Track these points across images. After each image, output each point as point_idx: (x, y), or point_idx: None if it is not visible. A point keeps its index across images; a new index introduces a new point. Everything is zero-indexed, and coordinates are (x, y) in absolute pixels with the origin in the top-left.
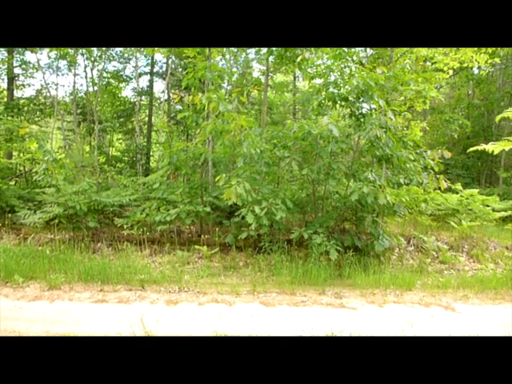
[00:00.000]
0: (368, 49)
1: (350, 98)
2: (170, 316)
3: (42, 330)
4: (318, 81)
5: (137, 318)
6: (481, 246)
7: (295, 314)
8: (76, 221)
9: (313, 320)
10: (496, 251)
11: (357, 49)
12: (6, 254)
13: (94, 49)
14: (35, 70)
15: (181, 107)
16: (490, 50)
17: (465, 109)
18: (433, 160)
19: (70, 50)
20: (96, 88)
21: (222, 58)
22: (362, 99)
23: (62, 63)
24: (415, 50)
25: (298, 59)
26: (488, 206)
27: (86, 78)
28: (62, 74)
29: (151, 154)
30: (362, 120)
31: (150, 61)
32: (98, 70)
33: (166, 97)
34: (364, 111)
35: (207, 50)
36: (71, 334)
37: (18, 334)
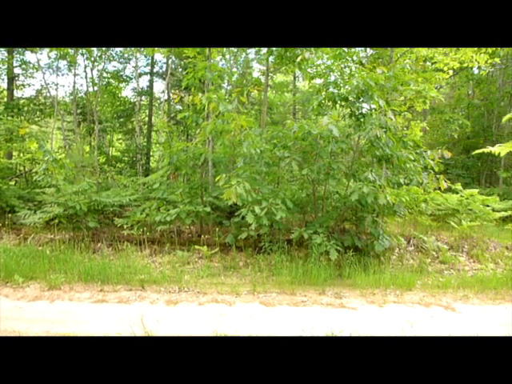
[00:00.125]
0: (368, 49)
1: (350, 98)
2: (170, 316)
3: (42, 330)
4: (318, 81)
5: (137, 318)
6: (481, 246)
7: (295, 314)
8: (76, 221)
9: (313, 320)
10: (496, 251)
11: (357, 49)
12: (6, 254)
13: (94, 49)
14: (35, 70)
15: (181, 107)
16: (489, 50)
17: (465, 109)
18: (433, 160)
19: (70, 50)
20: (96, 88)
21: (222, 58)
22: (362, 99)
23: (62, 63)
24: (415, 50)
25: (298, 59)
26: (488, 206)
27: (86, 78)
28: (62, 74)
29: (151, 154)
30: (361, 120)
31: (149, 61)
32: (98, 70)
33: (165, 97)
34: (364, 111)
35: (207, 50)
36: (71, 334)
37: (18, 334)
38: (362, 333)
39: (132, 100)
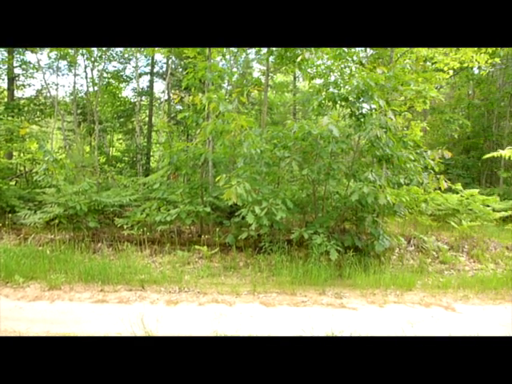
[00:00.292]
0: (368, 49)
1: (350, 98)
2: (170, 316)
3: (42, 330)
4: (318, 81)
5: (137, 318)
6: (481, 246)
7: (295, 314)
8: (76, 221)
9: (313, 320)
10: (496, 251)
11: (357, 49)
12: (7, 254)
13: (94, 49)
14: (35, 70)
15: (181, 107)
16: (490, 50)
17: (465, 109)
18: (433, 160)
19: (70, 51)
20: (96, 88)
21: (222, 58)
22: (362, 99)
23: (62, 63)
24: (415, 50)
25: (298, 59)
26: (488, 206)
27: (86, 78)
28: (63, 75)
29: (151, 154)
30: (362, 120)
31: (150, 61)
32: (98, 71)
33: (166, 97)
34: (364, 111)
35: (207, 50)
36: (71, 334)
37: (18, 334)
38: (362, 333)
39: (132, 100)
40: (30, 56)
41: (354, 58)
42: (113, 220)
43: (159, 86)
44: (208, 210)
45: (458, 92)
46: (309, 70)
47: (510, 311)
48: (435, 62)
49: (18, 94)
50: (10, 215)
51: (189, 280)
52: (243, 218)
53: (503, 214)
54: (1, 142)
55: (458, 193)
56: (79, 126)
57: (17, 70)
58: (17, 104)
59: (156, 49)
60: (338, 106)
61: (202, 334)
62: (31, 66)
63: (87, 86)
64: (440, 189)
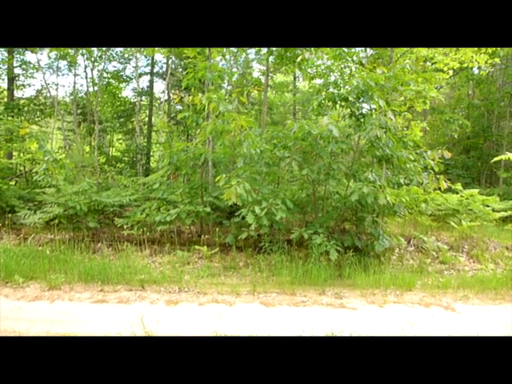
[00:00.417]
0: (368, 49)
1: (350, 99)
2: (170, 316)
3: (42, 330)
4: (318, 81)
5: (137, 318)
6: (481, 246)
7: (295, 314)
8: (76, 221)
9: (313, 320)
10: (496, 251)
11: (357, 49)
12: (6, 254)
13: (94, 49)
14: (35, 71)
15: (181, 107)
16: (489, 50)
17: (465, 109)
18: (433, 160)
19: (70, 51)
20: (96, 88)
21: (222, 58)
22: (362, 99)
23: (62, 63)
24: (415, 50)
25: (298, 59)
26: (488, 206)
27: (86, 78)
28: (62, 75)
29: (151, 154)
30: (362, 120)
31: (150, 61)
32: (98, 71)
33: (166, 97)
34: (364, 111)
35: (207, 50)
36: (71, 334)
37: (18, 334)
38: (362, 333)
39: (132, 100)
40: (29, 56)
41: (354, 58)
42: (113, 220)
43: (159, 86)
44: (208, 210)
45: (458, 92)
46: (309, 70)
47: (509, 311)
48: (435, 62)
49: (17, 93)
50: (9, 215)
51: (189, 280)
52: (243, 218)
53: (503, 214)
54: (1, 142)
55: (457, 193)
56: (79, 126)
57: (17, 70)
58: (17, 104)
59: (156, 49)
60: (337, 106)
61: (201, 334)
62: (31, 65)
63: (87, 86)
64: (440, 189)
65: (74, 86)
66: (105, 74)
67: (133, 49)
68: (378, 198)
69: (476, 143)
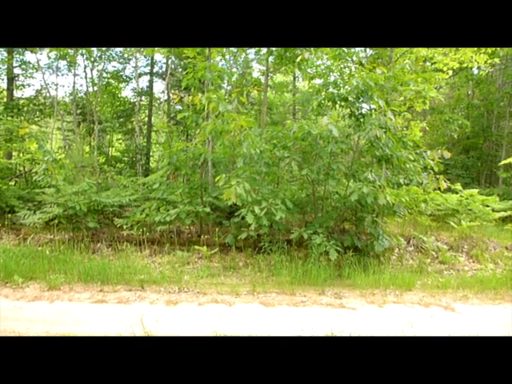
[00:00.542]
0: (368, 49)
1: (350, 99)
2: (170, 316)
3: (41, 331)
4: (318, 81)
5: (136, 318)
6: (480, 246)
7: (295, 314)
8: (76, 221)
9: (312, 320)
10: (496, 251)
11: (356, 49)
12: (6, 255)
13: (94, 49)
14: (35, 71)
15: (181, 107)
16: (489, 50)
17: (464, 109)
18: (432, 160)
19: (70, 51)
20: (96, 88)
21: (221, 58)
22: (361, 99)
23: (62, 63)
24: (415, 50)
25: (298, 59)
26: (488, 206)
27: (85, 78)
28: (62, 75)
29: (151, 154)
30: (361, 120)
31: (149, 61)
32: (97, 71)
33: (165, 97)
34: (364, 111)
35: (207, 50)
36: (71, 334)
37: (17, 334)
38: (361, 333)
39: (132, 100)
40: (29, 56)
41: (354, 58)
42: (112, 220)
43: (159, 86)
44: (208, 210)
45: (458, 92)
46: (308, 70)
47: (509, 311)
48: (435, 62)
49: (17, 93)
50: (9, 215)
51: (188, 280)
52: (243, 218)
53: (502, 214)
54: (0, 142)
55: (457, 193)
56: (79, 126)
57: (16, 70)
58: (16, 104)
59: (156, 49)
60: (337, 106)
61: (201, 334)
62: (31, 66)
63: (87, 86)
64: (439, 189)
65: (74, 86)
66: (104, 74)
67: (132, 49)
68: (377, 198)
69: (476, 143)
